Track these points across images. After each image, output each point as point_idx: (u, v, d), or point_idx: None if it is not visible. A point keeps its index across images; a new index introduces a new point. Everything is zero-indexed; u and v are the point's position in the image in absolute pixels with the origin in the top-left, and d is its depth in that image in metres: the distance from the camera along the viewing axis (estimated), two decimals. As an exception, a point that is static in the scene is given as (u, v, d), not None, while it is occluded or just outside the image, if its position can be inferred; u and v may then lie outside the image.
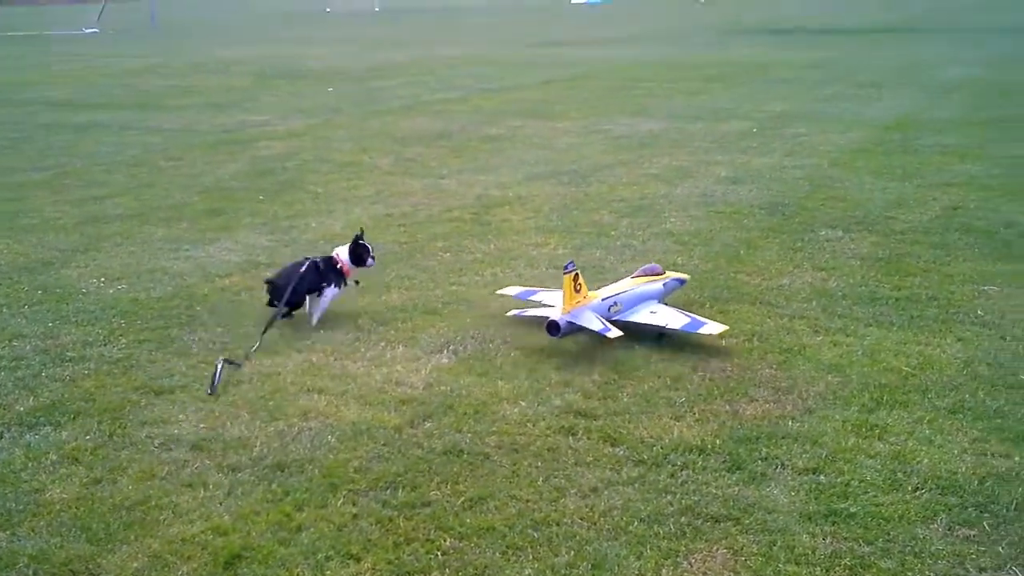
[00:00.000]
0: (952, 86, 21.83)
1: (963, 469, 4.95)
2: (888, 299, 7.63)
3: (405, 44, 41.58)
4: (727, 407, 5.75)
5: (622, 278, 7.46)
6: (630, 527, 4.47)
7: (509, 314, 7.30)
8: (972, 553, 4.25)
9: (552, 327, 6.56)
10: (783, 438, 5.32)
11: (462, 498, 4.73)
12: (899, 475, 4.90)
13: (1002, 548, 4.28)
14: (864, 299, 7.65)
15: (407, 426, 5.50)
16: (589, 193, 11.57)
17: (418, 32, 53.48)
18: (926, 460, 5.04)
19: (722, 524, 4.50)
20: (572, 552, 4.29)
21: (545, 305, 7.22)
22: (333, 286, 7.30)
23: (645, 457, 5.12)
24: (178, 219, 10.69)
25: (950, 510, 4.58)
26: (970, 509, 4.59)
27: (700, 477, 4.91)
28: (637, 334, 6.74)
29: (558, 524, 4.51)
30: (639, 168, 13.07)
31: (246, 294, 8.01)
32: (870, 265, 8.53)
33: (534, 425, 5.51)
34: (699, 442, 5.26)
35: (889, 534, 4.40)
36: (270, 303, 7.11)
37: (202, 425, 5.55)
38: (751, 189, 11.52)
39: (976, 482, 4.82)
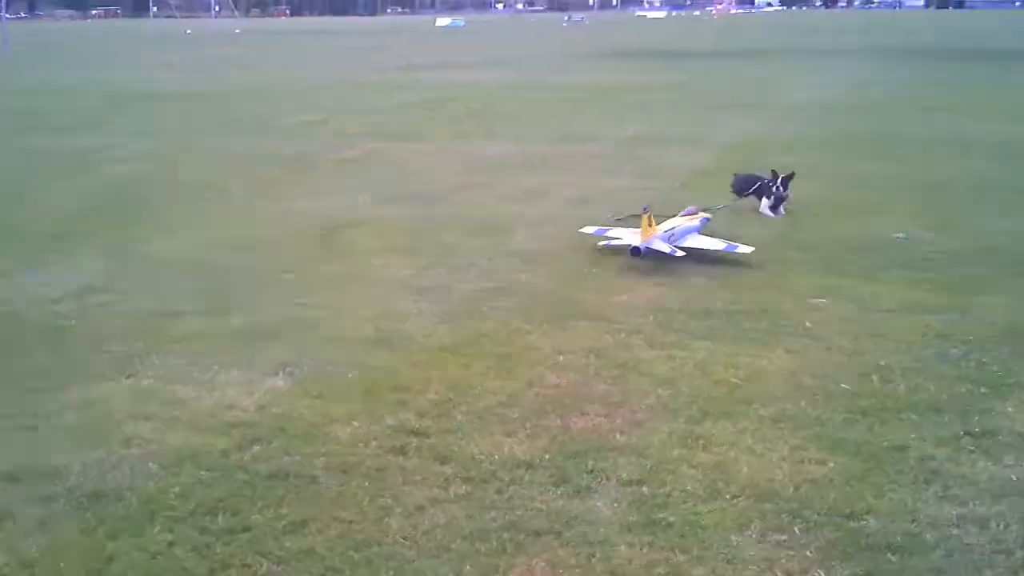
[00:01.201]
0: (796, 108, 22.57)
1: (780, 476, 5.10)
2: (722, 313, 7.83)
3: (267, 66, 41.21)
4: (559, 422, 5.81)
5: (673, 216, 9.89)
6: (452, 544, 4.49)
7: (600, 245, 9.69)
8: (782, 558, 4.38)
9: (635, 251, 9.12)
10: (610, 451, 5.40)
11: (284, 521, 4.68)
12: (719, 484, 5.02)
13: (810, 552, 4.42)
14: (699, 314, 7.82)
15: (234, 450, 5.41)
16: (439, 214, 11.60)
17: (282, 55, 53.05)
18: (745, 469, 5.18)
19: (544, 538, 4.55)
20: (392, 572, 4.29)
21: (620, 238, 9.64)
22: None
23: (474, 474, 5.14)
24: (12, 242, 10.38)
25: (764, 517, 4.71)
26: (783, 515, 4.72)
27: (526, 492, 4.96)
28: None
29: (380, 544, 4.49)
30: (491, 189, 13.17)
31: (78, 321, 7.80)
32: (707, 280, 8.74)
33: (365, 445, 5.49)
34: (528, 457, 5.31)
35: (705, 542, 4.50)
36: None
37: (18, 455, 5.37)
38: (598, 209, 11.69)
39: (791, 489, 4.97)
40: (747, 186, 11.74)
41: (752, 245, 9.38)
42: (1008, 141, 16.70)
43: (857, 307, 7.97)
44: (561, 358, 6.88)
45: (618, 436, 5.59)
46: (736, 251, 9.26)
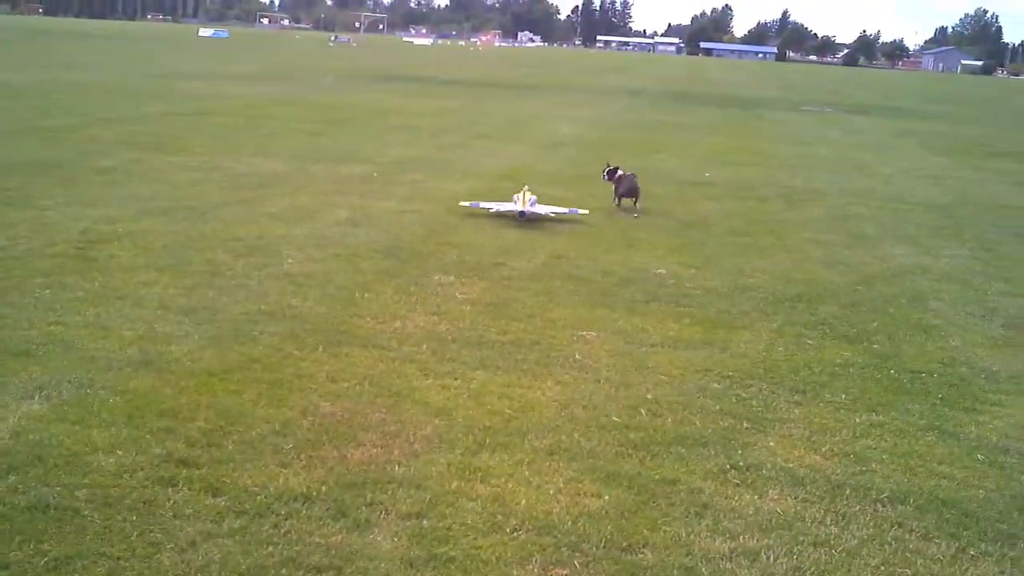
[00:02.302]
0: (561, 142, 23.18)
1: (557, 509, 5.16)
2: (495, 343, 7.89)
3: (22, 67, 38.96)
4: (335, 452, 5.69)
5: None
6: (227, 581, 4.31)
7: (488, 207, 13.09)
8: (562, 591, 4.43)
9: (521, 215, 12.66)
10: (389, 483, 5.33)
11: (46, 558, 4.38)
12: (498, 517, 5.04)
13: (589, 585, 4.49)
14: (472, 343, 7.86)
15: (-13, 480, 5.04)
16: (205, 231, 11.23)
17: (35, 55, 50.33)
18: (524, 502, 5.22)
19: (324, 574, 4.44)
20: (163, 611, 4.08)
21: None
22: None
23: (248, 507, 4.97)
24: None
25: (544, 550, 4.76)
26: (563, 549, 4.78)
27: (304, 526, 4.82)
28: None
29: (150, 581, 4.27)
30: (259, 207, 12.85)
31: None
32: (480, 310, 8.80)
33: (131, 476, 5.21)
34: (305, 489, 5.18)
35: (486, 576, 4.51)
36: None
37: None
38: (369, 232, 11.62)
39: (569, 522, 5.04)
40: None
41: (521, 269, 9.55)
42: (748, 184, 17.65)
43: (623, 340, 8.19)
44: (335, 385, 6.77)
45: (396, 468, 5.52)
46: (577, 213, 13.23)
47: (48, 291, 8.57)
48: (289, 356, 7.30)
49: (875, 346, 8.44)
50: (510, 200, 13.19)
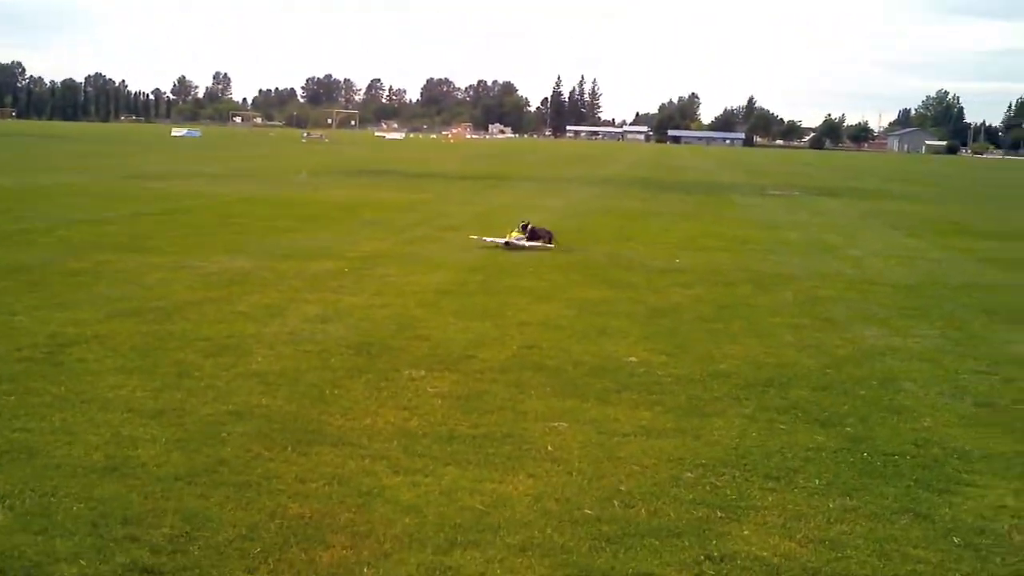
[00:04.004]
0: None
1: (529, 608, 5.08)
2: (466, 437, 7.83)
3: (-15, 170, 39.04)
4: (303, 555, 5.61)
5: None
6: None
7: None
8: None
9: (508, 245, 18.97)
10: (358, 586, 5.24)
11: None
12: (469, 618, 4.95)
13: None
14: (443, 438, 7.80)
15: (-57, 597, 4.93)
16: (174, 331, 11.16)
17: (8, 158, 50.51)
18: (495, 601, 5.14)
19: None
20: None
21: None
22: None
23: (213, 615, 4.87)
24: None
25: (516, 650, 4.67)
26: (535, 648, 4.70)
27: (270, 633, 4.73)
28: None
29: None
30: (228, 305, 12.81)
31: None
32: (451, 404, 8.75)
33: (93, 586, 5.10)
34: (271, 595, 5.08)
35: None
36: None
37: None
38: (339, 328, 11.58)
39: (541, 621, 4.96)
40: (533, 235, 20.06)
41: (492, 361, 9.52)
42: (718, 270, 17.77)
43: (595, 430, 8.15)
44: (304, 486, 6.69)
45: (365, 569, 5.44)
46: (549, 246, 19.77)
47: (13, 397, 8.47)
48: (258, 457, 7.22)
49: (847, 429, 8.43)
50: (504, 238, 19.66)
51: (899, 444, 8.08)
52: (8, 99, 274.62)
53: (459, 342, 11.10)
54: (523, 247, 19.37)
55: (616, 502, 6.59)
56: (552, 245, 19.92)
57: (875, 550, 6.02)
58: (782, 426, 8.44)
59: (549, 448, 7.66)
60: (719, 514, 6.45)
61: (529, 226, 20.09)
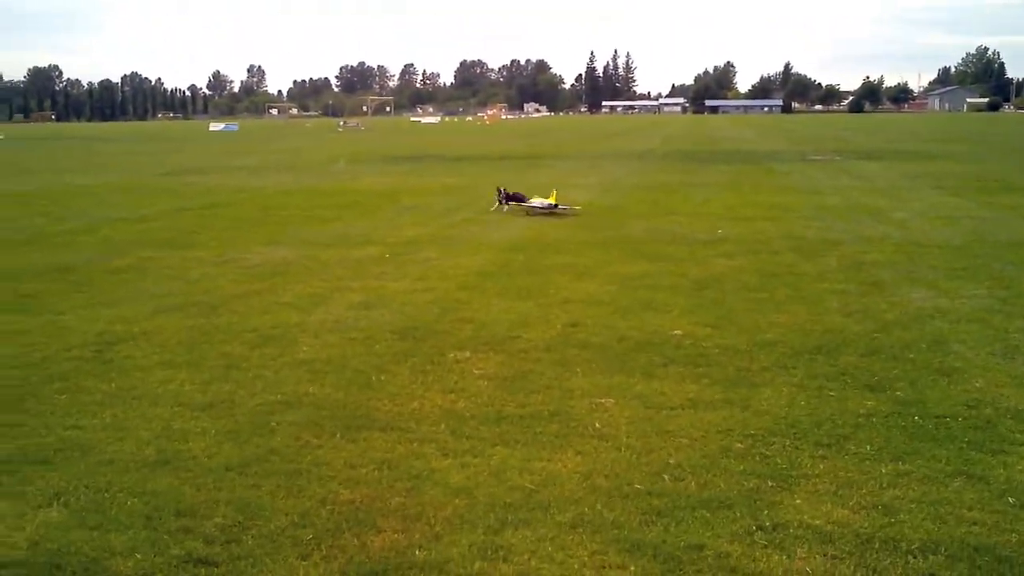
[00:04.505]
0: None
1: (582, 584, 5.08)
2: (513, 417, 7.84)
3: (32, 172, 39.55)
4: (355, 540, 5.65)
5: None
6: None
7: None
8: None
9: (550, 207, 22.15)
10: (411, 568, 5.28)
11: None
12: (523, 596, 4.96)
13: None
14: (491, 419, 7.81)
15: (6, 593, 5.01)
16: (220, 325, 11.25)
17: (49, 160, 51.09)
18: (548, 578, 5.14)
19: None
20: None
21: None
22: None
23: (269, 602, 4.91)
24: None
25: (570, 627, 4.67)
26: (589, 624, 4.70)
27: (325, 618, 4.76)
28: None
29: None
30: (273, 296, 12.89)
31: None
32: (497, 384, 8.75)
33: (150, 579, 5.16)
34: (326, 581, 5.11)
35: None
36: None
37: None
38: (383, 314, 11.62)
39: (595, 597, 4.96)
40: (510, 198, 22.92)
41: (536, 340, 9.49)
42: (761, 239, 17.63)
43: (642, 405, 8.13)
44: (353, 472, 6.72)
45: (417, 552, 5.47)
46: (577, 208, 22.53)
47: (65, 395, 8.59)
48: (307, 445, 7.28)
49: (898, 393, 8.34)
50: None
51: (950, 407, 7.99)
52: (47, 102, 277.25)
53: (503, 323, 11.09)
54: (537, 208, 22.14)
55: (666, 476, 6.58)
56: (579, 208, 22.68)
57: (929, 514, 5.96)
58: (831, 393, 8.37)
59: (597, 425, 7.65)
60: (770, 484, 6.41)
61: (504, 190, 23.22)
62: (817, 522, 5.84)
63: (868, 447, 7.09)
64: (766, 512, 5.96)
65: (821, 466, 6.74)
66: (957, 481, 6.46)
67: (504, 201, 22.94)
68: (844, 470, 6.67)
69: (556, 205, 22.12)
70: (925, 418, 7.71)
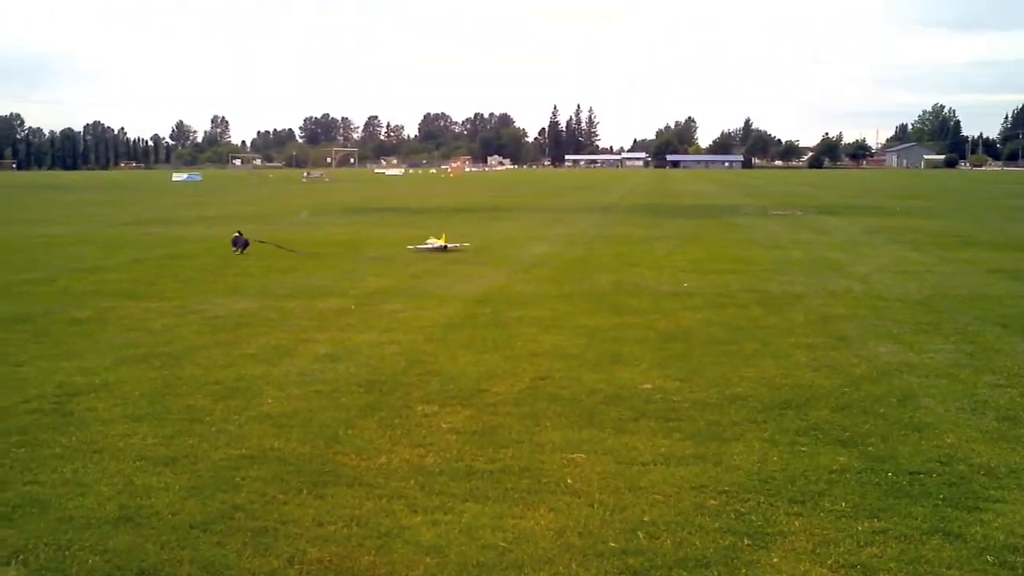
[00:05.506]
0: (537, 262, 23.22)
1: (559, 646, 4.95)
2: (483, 473, 7.71)
3: (-15, 222, 39.08)
4: (325, 601, 5.48)
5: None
6: None
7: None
8: None
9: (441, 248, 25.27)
10: (382, 630, 5.11)
11: None
12: (498, 659, 4.82)
13: None
14: (460, 474, 7.68)
15: (-42, 658, 4.80)
16: (183, 376, 11.06)
17: (7, 210, 50.60)
18: (523, 640, 5.00)
19: None
20: None
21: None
22: None
23: (235, 667, 4.74)
24: None
25: None
26: None
27: None
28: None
29: None
30: (236, 348, 12.71)
31: None
32: (466, 439, 8.62)
33: (111, 642, 4.98)
34: (294, 643, 4.95)
35: None
36: None
37: None
38: (349, 367, 11.48)
39: (572, 659, 4.82)
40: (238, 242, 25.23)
41: (504, 394, 9.38)
42: (726, 292, 17.66)
43: (614, 460, 8.03)
44: (322, 529, 6.57)
45: (389, 613, 5.31)
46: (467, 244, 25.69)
47: (23, 449, 8.37)
48: (273, 501, 7.11)
49: (870, 449, 8.30)
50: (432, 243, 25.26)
51: (923, 462, 7.95)
52: (8, 151, 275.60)
53: (471, 376, 10.98)
54: (434, 249, 25.24)
55: (640, 533, 6.47)
56: (468, 245, 26.38)
57: (908, 572, 5.89)
58: (803, 448, 8.31)
59: (569, 480, 7.53)
60: (746, 542, 6.32)
61: (239, 235, 25.44)
62: (795, 581, 5.74)
63: (843, 504, 7.02)
64: (744, 571, 5.87)
65: (797, 523, 6.66)
66: (935, 539, 6.39)
67: (234, 244, 25.33)
68: (820, 528, 6.58)
69: (446, 246, 25.30)
70: (899, 474, 7.66)
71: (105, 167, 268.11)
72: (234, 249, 25.20)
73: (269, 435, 8.76)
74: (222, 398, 10.09)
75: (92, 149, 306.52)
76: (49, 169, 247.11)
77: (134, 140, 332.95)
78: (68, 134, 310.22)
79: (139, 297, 17.50)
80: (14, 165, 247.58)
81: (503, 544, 6.31)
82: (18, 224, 38.31)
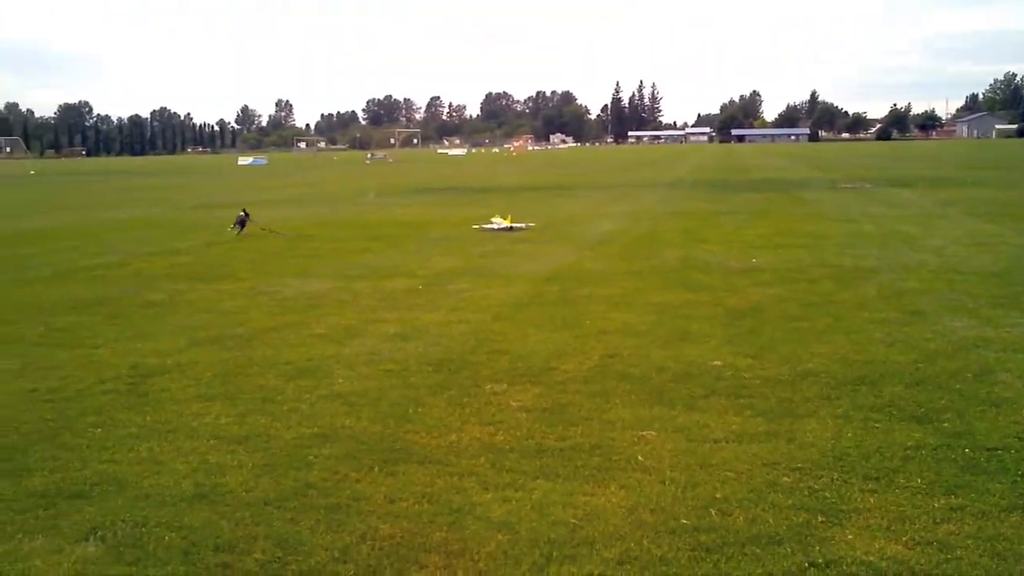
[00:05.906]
0: (604, 239, 23.13)
1: (632, 622, 4.93)
2: (553, 450, 7.71)
3: (67, 208, 39.87)
4: (398, 578, 5.52)
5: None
6: None
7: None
8: None
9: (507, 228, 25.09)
10: (455, 607, 5.14)
11: None
12: (571, 635, 4.82)
13: None
14: (531, 452, 7.68)
15: (43, 632, 4.91)
16: (254, 357, 11.19)
17: (79, 196, 51.47)
18: (597, 617, 5.00)
19: None
20: None
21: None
22: None
23: (311, 642, 4.79)
24: None
25: (622, 668, 4.53)
26: (641, 665, 4.55)
27: (370, 659, 4.64)
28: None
29: None
30: (306, 329, 12.83)
31: None
32: (535, 417, 8.62)
33: (190, 617, 5.06)
34: (369, 620, 4.99)
35: None
36: None
37: None
38: (418, 346, 11.53)
39: (646, 635, 4.81)
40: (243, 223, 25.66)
41: (573, 372, 9.36)
42: (796, 267, 17.44)
43: (685, 437, 7.98)
44: (393, 506, 6.61)
45: (461, 589, 5.33)
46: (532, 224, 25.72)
47: (100, 429, 8.53)
48: (345, 479, 7.17)
49: (945, 425, 8.15)
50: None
51: (1001, 438, 7.79)
52: (77, 138, 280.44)
53: (539, 354, 10.97)
54: (499, 229, 25.27)
55: (713, 510, 6.42)
56: (533, 224, 26.29)
57: (986, 550, 5.78)
58: (877, 425, 8.19)
59: (639, 458, 7.50)
60: (820, 518, 6.25)
61: (245, 214, 26.25)
62: (871, 558, 5.67)
63: (919, 480, 6.91)
64: (818, 548, 5.80)
65: (871, 500, 6.57)
66: (1014, 516, 6.27)
67: (238, 223, 25.84)
68: (895, 504, 6.49)
69: (511, 227, 25.35)
70: (976, 450, 7.52)
71: (172, 152, 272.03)
72: (232, 227, 25.90)
73: (340, 414, 8.84)
74: (293, 378, 10.19)
75: (159, 135, 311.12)
76: (117, 155, 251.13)
77: (200, 125, 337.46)
78: (135, 120, 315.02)
79: (210, 279, 17.74)
80: (83, 152, 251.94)
81: (574, 521, 6.30)
82: (90, 209, 39.01)
